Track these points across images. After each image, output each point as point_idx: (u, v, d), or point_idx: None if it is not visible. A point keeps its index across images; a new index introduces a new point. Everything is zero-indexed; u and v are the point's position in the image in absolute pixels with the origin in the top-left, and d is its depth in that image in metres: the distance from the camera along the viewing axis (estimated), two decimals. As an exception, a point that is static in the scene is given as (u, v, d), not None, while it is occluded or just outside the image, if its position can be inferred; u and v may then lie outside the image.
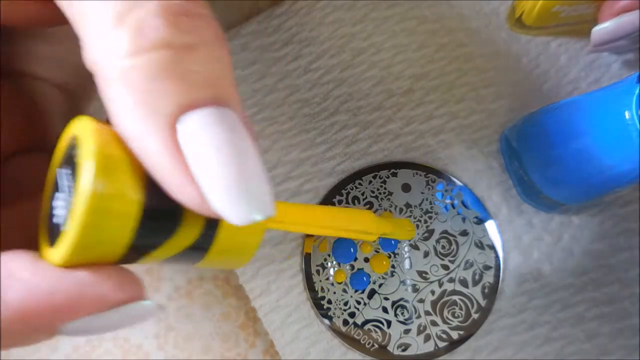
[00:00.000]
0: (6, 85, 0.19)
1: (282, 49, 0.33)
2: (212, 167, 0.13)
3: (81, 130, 0.14)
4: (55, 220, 0.14)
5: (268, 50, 0.33)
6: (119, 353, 0.30)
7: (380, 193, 0.32)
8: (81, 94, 0.21)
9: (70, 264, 0.14)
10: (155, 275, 0.31)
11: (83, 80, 0.21)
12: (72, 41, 0.15)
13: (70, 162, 0.14)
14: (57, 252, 0.14)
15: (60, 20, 0.15)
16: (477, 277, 0.31)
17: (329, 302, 0.31)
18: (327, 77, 0.33)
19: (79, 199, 0.13)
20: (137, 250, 0.14)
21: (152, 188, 0.14)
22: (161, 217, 0.14)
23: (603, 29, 0.29)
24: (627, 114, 0.24)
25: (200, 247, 0.16)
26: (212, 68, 0.14)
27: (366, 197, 0.32)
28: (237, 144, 0.13)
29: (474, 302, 0.30)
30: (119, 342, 0.30)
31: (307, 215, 0.21)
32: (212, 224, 0.15)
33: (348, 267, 0.31)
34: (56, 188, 0.15)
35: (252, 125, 0.14)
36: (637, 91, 0.23)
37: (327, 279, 0.31)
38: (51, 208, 0.15)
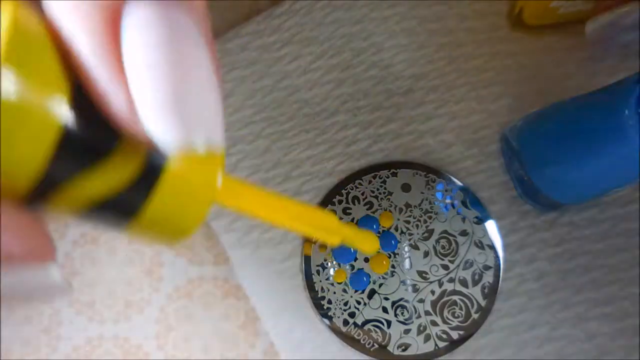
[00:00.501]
0: None
1: (282, 49, 0.33)
2: (143, 66, 0.11)
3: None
4: None
5: (268, 50, 0.33)
6: (119, 353, 0.30)
7: (380, 193, 0.32)
8: None
9: None
10: (155, 275, 0.31)
11: None
12: None
13: None
14: None
15: None
16: (477, 277, 0.31)
17: (329, 302, 0.31)
18: (327, 77, 0.33)
19: None
20: (52, 179, 0.12)
21: (79, 99, 0.12)
22: (87, 138, 0.12)
23: (598, 21, 0.29)
24: (627, 114, 0.24)
25: (131, 201, 0.13)
26: None
27: (366, 197, 0.32)
28: (181, 44, 0.11)
29: (474, 302, 0.30)
30: (119, 342, 0.30)
31: (265, 198, 0.18)
32: (149, 174, 0.13)
33: (348, 267, 0.31)
34: None
35: (214, 43, 0.13)
36: (637, 91, 0.23)
37: (327, 279, 0.31)
38: None
